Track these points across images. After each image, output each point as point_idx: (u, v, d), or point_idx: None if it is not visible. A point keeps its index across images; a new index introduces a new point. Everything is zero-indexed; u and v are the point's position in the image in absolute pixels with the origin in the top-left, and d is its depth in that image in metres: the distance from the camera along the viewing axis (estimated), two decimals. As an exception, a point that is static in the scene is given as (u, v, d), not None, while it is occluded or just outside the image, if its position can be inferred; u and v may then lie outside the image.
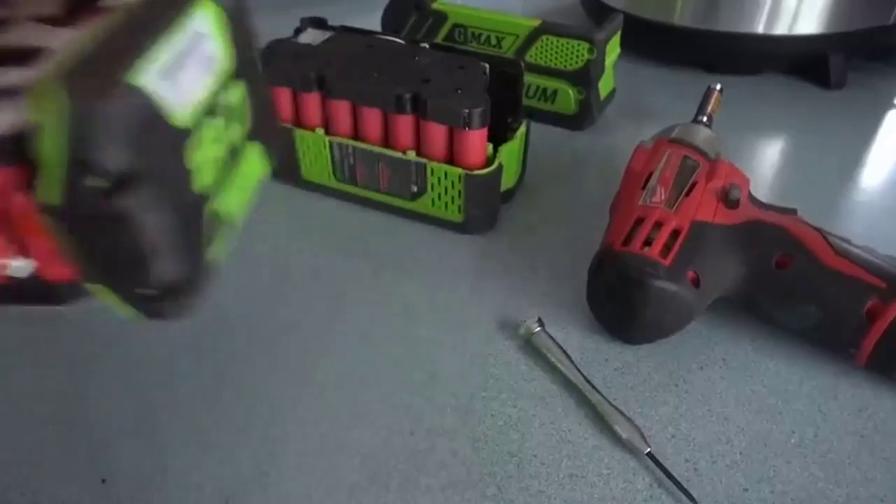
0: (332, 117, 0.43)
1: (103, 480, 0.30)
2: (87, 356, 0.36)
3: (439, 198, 0.42)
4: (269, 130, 0.31)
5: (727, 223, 0.36)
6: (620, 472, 0.30)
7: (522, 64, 0.42)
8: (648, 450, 0.30)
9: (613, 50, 0.52)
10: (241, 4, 0.32)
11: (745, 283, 0.35)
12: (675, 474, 0.29)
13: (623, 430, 0.31)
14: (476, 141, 0.40)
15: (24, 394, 0.34)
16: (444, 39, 0.54)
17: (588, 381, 0.33)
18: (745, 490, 0.29)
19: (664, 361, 0.35)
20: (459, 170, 0.41)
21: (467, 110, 0.39)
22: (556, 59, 0.51)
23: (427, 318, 0.38)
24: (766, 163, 0.52)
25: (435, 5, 0.54)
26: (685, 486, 0.29)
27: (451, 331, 0.37)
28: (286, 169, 0.47)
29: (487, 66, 0.42)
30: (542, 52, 0.51)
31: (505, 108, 0.43)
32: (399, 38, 0.46)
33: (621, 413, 0.32)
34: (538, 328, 0.36)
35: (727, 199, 0.37)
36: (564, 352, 0.35)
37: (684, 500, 0.29)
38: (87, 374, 0.35)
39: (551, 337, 0.35)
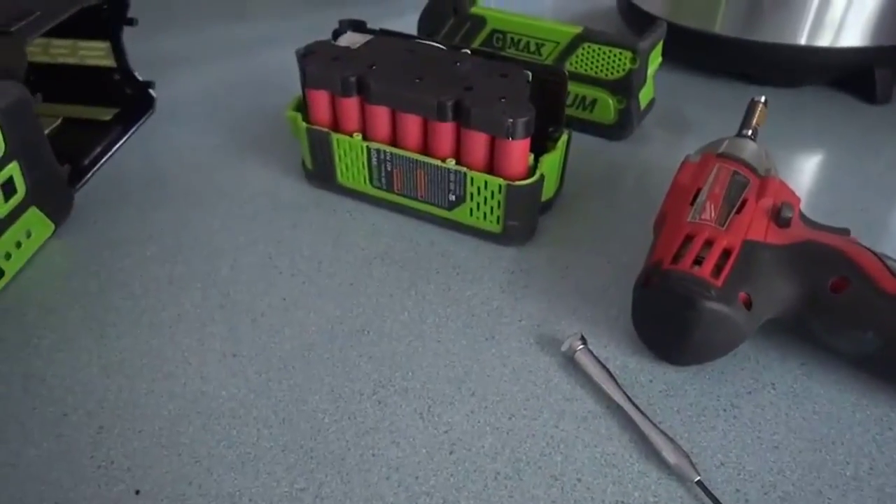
0: (370, 122, 0.42)
1: (137, 492, 0.29)
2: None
3: (478, 207, 0.42)
4: (48, 198, 0.42)
5: (779, 243, 0.35)
6: (667, 499, 0.29)
7: (566, 72, 0.41)
8: (698, 478, 0.29)
9: (655, 59, 0.50)
10: (23, 98, 0.39)
11: (797, 306, 0.34)
12: (725, 505, 0.29)
13: (671, 457, 0.30)
14: (518, 151, 0.39)
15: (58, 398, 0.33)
16: (482, 44, 0.53)
17: (633, 403, 0.32)
18: (800, 524, 0.28)
19: (711, 385, 0.34)
20: (500, 180, 0.40)
21: (511, 120, 0.38)
22: (596, 67, 0.50)
23: (464, 332, 0.37)
24: (808, 179, 0.51)
25: (473, 9, 0.53)
26: (737, 517, 0.28)
27: (489, 346, 0.36)
28: (322, 173, 0.46)
29: (530, 73, 0.41)
30: (582, 60, 0.50)
31: (546, 116, 0.42)
32: (439, 42, 0.45)
33: (669, 438, 0.31)
34: (581, 345, 0.35)
35: (779, 218, 0.35)
36: (608, 371, 0.34)
37: (735, 533, 0.28)
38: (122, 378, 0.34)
39: (594, 355, 0.34)
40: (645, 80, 0.50)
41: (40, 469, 0.30)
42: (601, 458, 0.31)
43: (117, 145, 0.52)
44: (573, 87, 0.51)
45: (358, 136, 0.43)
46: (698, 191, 0.37)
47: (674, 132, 0.55)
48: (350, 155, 0.44)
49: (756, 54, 0.59)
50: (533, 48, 0.51)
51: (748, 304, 0.33)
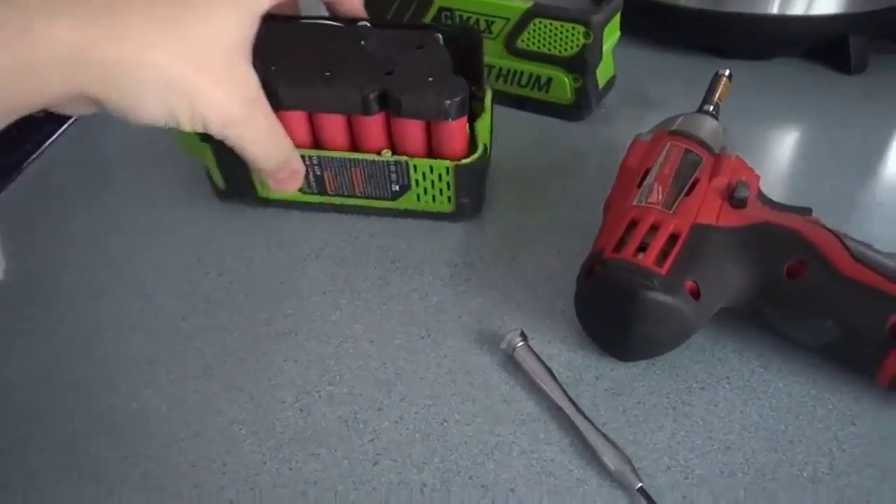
0: (286, 127, 0.35)
1: None
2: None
3: (425, 192, 0.39)
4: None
5: (733, 225, 0.32)
6: (607, 510, 0.27)
7: (479, 33, 0.39)
8: (640, 485, 0.27)
9: (612, 33, 0.48)
10: None
11: (752, 294, 0.31)
12: (669, 513, 0.26)
13: (611, 462, 0.28)
14: (458, 130, 0.37)
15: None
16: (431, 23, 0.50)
17: (574, 404, 0.30)
18: (750, 533, 0.26)
19: (661, 381, 0.32)
20: (447, 162, 0.37)
21: (448, 101, 0.35)
22: (549, 44, 0.47)
23: (399, 331, 0.34)
24: (778, 156, 0.48)
25: (420, -13, 0.50)
26: (680, 527, 0.26)
27: (425, 345, 0.34)
28: (238, 189, 0.41)
29: (441, 36, 0.38)
30: (534, 37, 0.47)
31: (466, 79, 0.38)
32: (326, 17, 0.40)
33: (610, 442, 0.28)
34: (521, 342, 0.32)
35: (733, 199, 0.33)
36: (549, 370, 0.31)
37: (679, 545, 0.26)
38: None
39: (535, 353, 0.32)
40: (601, 57, 0.47)
41: (-73, 495, 0.28)
42: (538, 464, 0.29)
43: (49, 140, 0.49)
44: (527, 66, 0.48)
45: None
46: (647, 172, 0.35)
47: (637, 110, 0.52)
48: None
49: (724, 26, 0.56)
50: (483, 25, 0.48)
51: (696, 294, 0.30)
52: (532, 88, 0.49)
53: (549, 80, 0.48)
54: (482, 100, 0.39)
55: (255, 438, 0.30)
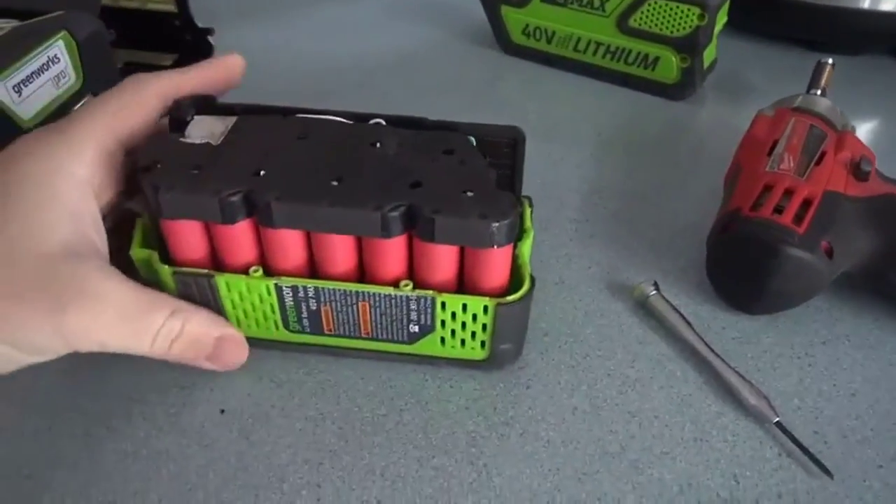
0: (273, 249, 0.29)
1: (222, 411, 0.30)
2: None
3: (452, 335, 0.30)
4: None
5: (859, 195, 0.34)
6: (746, 439, 0.29)
7: (521, 130, 0.31)
8: (777, 419, 0.29)
9: (722, 18, 0.50)
10: (100, 31, 0.40)
11: (877, 259, 0.33)
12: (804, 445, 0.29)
13: (750, 397, 0.30)
14: (502, 260, 0.28)
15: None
16: (544, 0, 0.53)
17: (709, 346, 0.32)
18: (880, 467, 0.28)
19: (785, 334, 0.34)
20: (485, 299, 0.28)
21: (496, 224, 0.26)
22: (662, 24, 0.49)
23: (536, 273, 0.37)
24: (872, 145, 0.50)
25: (537, -36, 0.52)
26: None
27: (559, 290, 0.36)
28: None
29: (473, 139, 0.30)
30: (648, 17, 0.49)
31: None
32: (335, 113, 0.31)
33: (746, 380, 0.31)
34: (654, 291, 0.35)
35: (859, 171, 0.35)
36: (682, 316, 0.34)
37: (815, 472, 0.28)
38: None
39: (668, 301, 0.34)
40: (711, 39, 0.49)
41: None
42: (677, 398, 0.31)
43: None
44: (636, 44, 0.51)
45: (258, 273, 0.29)
46: (775, 143, 0.37)
47: (733, 95, 0.54)
48: (249, 299, 0.30)
49: (817, 18, 0.58)
50: (597, 4, 0.51)
51: (829, 254, 0.32)
52: (639, 66, 0.52)
53: (657, 58, 0.51)
54: (521, 215, 0.30)
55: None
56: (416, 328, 0.30)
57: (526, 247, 0.30)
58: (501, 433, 0.29)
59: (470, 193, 0.27)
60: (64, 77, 0.37)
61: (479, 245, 0.27)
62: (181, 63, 0.54)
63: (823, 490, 0.28)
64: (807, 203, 0.33)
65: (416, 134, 0.30)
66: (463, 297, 0.29)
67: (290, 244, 0.29)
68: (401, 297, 0.29)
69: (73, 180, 0.26)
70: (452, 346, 0.31)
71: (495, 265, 0.28)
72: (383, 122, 0.31)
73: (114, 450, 0.29)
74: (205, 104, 0.31)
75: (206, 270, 0.29)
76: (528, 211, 0.32)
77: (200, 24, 0.55)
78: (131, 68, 0.52)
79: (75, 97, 0.38)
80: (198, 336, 0.28)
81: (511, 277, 0.29)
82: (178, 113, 0.30)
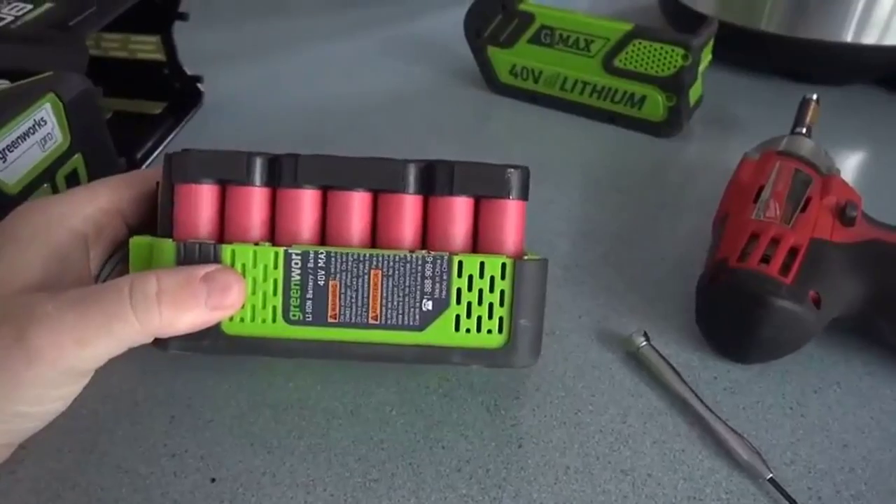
0: (285, 218, 0.29)
1: (213, 479, 0.30)
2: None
3: (469, 312, 0.28)
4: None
5: (846, 241, 0.35)
6: (740, 496, 0.29)
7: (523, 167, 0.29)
8: (770, 475, 0.29)
9: (706, 56, 0.50)
10: (88, 91, 0.39)
11: (865, 306, 0.34)
12: (798, 503, 0.28)
13: (743, 453, 0.30)
14: (517, 215, 0.29)
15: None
16: (530, 41, 0.53)
17: (700, 399, 0.32)
18: (875, 523, 0.28)
19: (777, 383, 0.34)
20: (503, 257, 0.28)
21: (511, 170, 0.28)
22: (647, 64, 0.50)
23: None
24: (860, 179, 0.50)
25: (522, 6, 0.53)
26: (811, 515, 0.28)
27: (550, 342, 0.36)
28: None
29: None
30: (632, 57, 0.50)
31: None
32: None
33: (738, 434, 0.31)
34: (644, 342, 0.35)
35: (844, 216, 0.35)
36: (673, 368, 0.34)
37: (810, 530, 0.28)
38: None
39: (658, 352, 0.34)
40: (696, 77, 0.50)
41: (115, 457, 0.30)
42: (670, 454, 0.31)
43: (168, 139, 0.52)
44: (622, 84, 0.51)
45: (266, 243, 0.28)
46: (760, 188, 0.37)
47: (720, 130, 0.55)
48: (252, 274, 0.28)
49: (802, 51, 0.59)
50: (582, 44, 0.51)
51: (818, 303, 0.32)
52: (625, 105, 0.52)
53: (643, 97, 0.51)
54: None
55: (405, 420, 0.32)
56: (430, 304, 0.28)
57: None
58: (494, 497, 0.29)
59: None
60: (50, 139, 0.37)
61: (497, 193, 0.28)
62: (171, 111, 0.55)
63: (818, 549, 0.28)
64: (793, 252, 0.33)
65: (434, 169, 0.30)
66: (480, 256, 0.28)
67: (303, 207, 0.28)
68: (416, 259, 0.28)
69: (66, 227, 0.27)
70: (468, 330, 0.28)
71: (510, 222, 0.28)
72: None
73: (103, 524, 0.28)
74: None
75: (211, 242, 0.28)
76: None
77: (189, 72, 0.55)
78: (121, 117, 0.53)
79: (62, 158, 0.38)
80: (181, 282, 0.26)
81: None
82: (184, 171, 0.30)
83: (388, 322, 0.28)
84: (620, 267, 0.41)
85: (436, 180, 0.28)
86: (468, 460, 0.31)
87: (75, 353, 0.24)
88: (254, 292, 0.28)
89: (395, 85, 0.61)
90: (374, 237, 0.29)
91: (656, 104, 0.51)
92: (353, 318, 0.28)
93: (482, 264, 0.28)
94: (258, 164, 0.28)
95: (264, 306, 0.28)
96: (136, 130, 0.52)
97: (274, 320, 0.28)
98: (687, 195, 0.48)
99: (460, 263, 0.28)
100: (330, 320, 0.28)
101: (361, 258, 0.28)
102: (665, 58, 0.49)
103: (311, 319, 0.28)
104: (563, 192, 0.47)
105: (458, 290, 0.28)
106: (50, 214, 0.27)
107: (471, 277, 0.28)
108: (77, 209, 0.28)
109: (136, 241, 0.29)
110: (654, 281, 0.40)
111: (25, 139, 0.35)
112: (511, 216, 0.28)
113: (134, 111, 0.54)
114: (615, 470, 0.30)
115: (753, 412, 0.33)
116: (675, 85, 0.49)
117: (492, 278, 0.28)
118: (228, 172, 0.28)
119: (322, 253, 0.28)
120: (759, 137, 0.44)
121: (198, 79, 0.56)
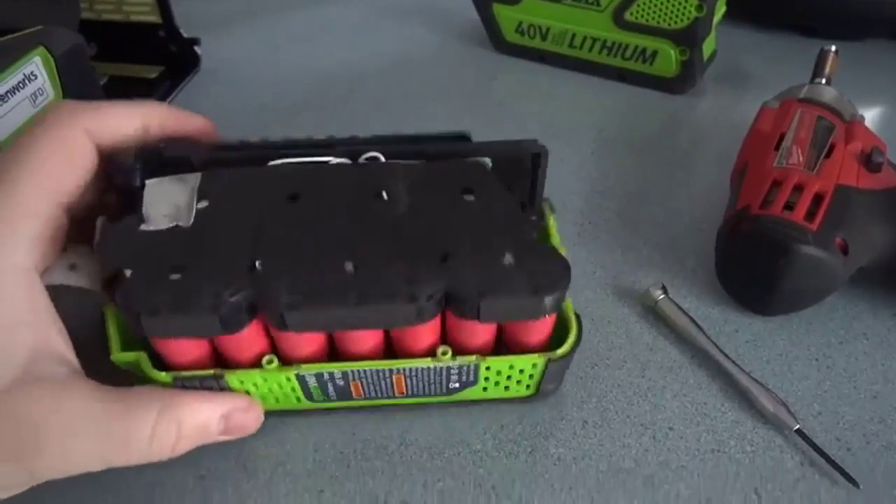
0: (288, 343, 0.25)
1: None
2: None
3: (496, 385, 0.28)
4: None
5: (872, 188, 0.33)
6: (766, 448, 0.28)
7: (543, 146, 0.27)
8: (797, 426, 0.28)
9: (721, 7, 0.48)
10: (79, 45, 0.38)
11: (893, 254, 0.32)
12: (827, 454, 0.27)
13: (768, 405, 0.29)
14: (549, 322, 0.26)
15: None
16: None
17: (722, 351, 0.31)
18: (908, 473, 0.27)
19: (800, 335, 0.33)
20: (535, 357, 0.26)
21: (548, 298, 0.24)
22: (659, 16, 0.48)
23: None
24: (882, 133, 0.49)
25: (528, -40, 0.51)
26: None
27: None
28: None
29: (489, 161, 0.26)
30: (644, 9, 0.48)
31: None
32: (318, 146, 0.26)
33: (763, 386, 0.30)
34: (662, 295, 0.33)
35: (870, 163, 0.34)
36: (693, 320, 0.32)
37: (840, 481, 0.27)
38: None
39: (677, 304, 0.33)
40: (710, 30, 0.48)
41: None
42: (691, 407, 0.30)
43: (165, 102, 0.51)
44: (633, 39, 0.49)
45: (272, 364, 0.25)
46: (782, 136, 0.36)
47: (734, 86, 0.53)
48: (265, 387, 0.26)
49: (817, 3, 0.57)
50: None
51: (844, 250, 0.31)
52: (636, 61, 0.50)
53: (655, 52, 0.49)
54: (547, 230, 0.28)
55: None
56: (457, 384, 0.28)
57: None
58: (509, 452, 0.28)
59: (509, 257, 0.24)
60: (41, 94, 0.36)
61: (530, 318, 0.25)
62: (168, 75, 0.53)
63: (849, 500, 0.26)
64: (818, 198, 0.32)
65: (424, 168, 0.26)
66: (510, 359, 0.26)
67: (306, 338, 0.25)
68: (440, 368, 0.26)
69: (15, 276, 0.22)
70: (496, 392, 0.29)
71: (543, 328, 0.26)
72: (380, 157, 0.26)
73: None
74: (151, 157, 0.25)
75: (212, 371, 0.25)
76: (552, 221, 0.28)
77: (185, 34, 0.54)
78: (116, 82, 0.52)
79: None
80: (201, 425, 0.24)
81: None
82: (121, 176, 0.24)
83: (415, 394, 0.28)
84: (635, 223, 0.40)
85: (458, 308, 0.24)
86: (481, 417, 0.29)
87: (79, 472, 0.23)
88: (272, 392, 0.27)
89: (396, 48, 0.59)
90: (393, 343, 0.26)
91: (668, 59, 0.49)
92: (378, 395, 0.28)
93: (512, 364, 0.26)
94: (236, 316, 0.23)
95: (284, 398, 0.27)
96: (132, 95, 0.51)
97: (299, 401, 0.28)
98: (701, 151, 0.47)
99: (490, 365, 0.26)
100: (355, 397, 0.28)
101: (382, 373, 0.26)
102: (678, 9, 0.47)
103: (336, 398, 0.28)
104: (576, 150, 0.46)
105: (487, 377, 0.27)
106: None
107: (499, 370, 0.27)
108: (14, 242, 0.22)
109: (120, 358, 0.25)
110: (671, 237, 0.39)
111: (15, 93, 0.34)
112: (542, 326, 0.26)
113: (130, 75, 0.52)
114: (635, 424, 0.29)
115: (777, 364, 0.32)
116: (688, 37, 0.47)
117: (523, 369, 0.27)
118: (203, 332, 0.24)
119: (337, 372, 0.26)
120: (773, 93, 0.42)
121: (195, 41, 0.54)
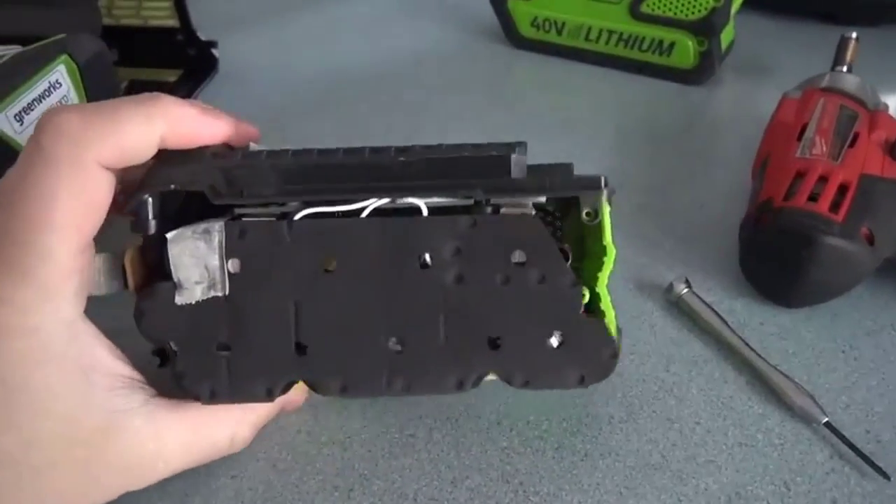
0: None
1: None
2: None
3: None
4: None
5: (898, 177, 0.33)
6: (795, 442, 0.28)
7: (602, 178, 0.24)
8: (826, 419, 0.28)
9: (739, -3, 0.48)
10: (102, 52, 0.39)
11: (920, 243, 0.32)
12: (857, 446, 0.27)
13: (796, 398, 0.29)
14: None
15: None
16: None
17: (748, 345, 0.31)
18: (939, 465, 0.27)
19: (826, 326, 0.33)
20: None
21: (594, 384, 0.26)
22: (676, 7, 0.47)
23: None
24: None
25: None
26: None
27: (587, 292, 0.35)
28: None
29: (532, 210, 0.24)
30: (660, 1, 0.48)
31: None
32: (346, 188, 0.24)
33: (790, 379, 0.29)
34: (686, 289, 0.33)
35: (894, 152, 0.33)
36: (718, 314, 0.32)
37: (870, 474, 0.27)
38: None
39: (701, 298, 0.33)
40: (728, 19, 0.47)
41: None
42: (718, 401, 0.30)
43: (180, 99, 0.51)
44: (650, 30, 0.49)
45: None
46: (804, 126, 0.35)
47: (753, 76, 0.52)
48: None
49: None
50: (608, -9, 0.49)
51: (870, 240, 0.31)
52: (653, 53, 0.50)
53: (672, 44, 0.49)
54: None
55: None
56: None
57: (609, 317, 0.25)
58: (536, 448, 0.28)
59: (557, 337, 0.24)
60: (66, 101, 0.36)
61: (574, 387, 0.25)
62: (187, 78, 0.54)
63: (880, 493, 0.26)
64: (843, 189, 0.32)
65: (469, 225, 0.23)
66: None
67: None
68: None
69: (66, 334, 0.22)
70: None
71: None
72: (421, 205, 0.23)
73: None
74: (167, 199, 0.24)
75: None
76: (607, 220, 0.24)
77: (203, 37, 0.54)
78: (137, 86, 0.52)
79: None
80: (266, 419, 0.28)
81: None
82: (138, 224, 0.24)
83: None
84: (657, 217, 0.39)
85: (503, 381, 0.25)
86: (507, 413, 0.30)
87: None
88: None
89: (411, 44, 0.59)
90: None
91: (686, 50, 0.49)
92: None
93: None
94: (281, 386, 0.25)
95: None
96: (152, 99, 0.51)
97: None
98: (722, 143, 0.46)
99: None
100: None
101: None
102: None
103: None
104: (594, 144, 0.46)
105: None
106: (37, 343, 0.22)
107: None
108: (54, 298, 0.22)
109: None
110: (693, 230, 0.38)
111: (42, 101, 0.35)
112: None
113: (149, 80, 0.53)
114: (661, 418, 0.29)
115: (804, 357, 0.31)
116: (706, 28, 0.47)
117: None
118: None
119: None
120: (793, 82, 0.42)
121: (212, 44, 0.54)
